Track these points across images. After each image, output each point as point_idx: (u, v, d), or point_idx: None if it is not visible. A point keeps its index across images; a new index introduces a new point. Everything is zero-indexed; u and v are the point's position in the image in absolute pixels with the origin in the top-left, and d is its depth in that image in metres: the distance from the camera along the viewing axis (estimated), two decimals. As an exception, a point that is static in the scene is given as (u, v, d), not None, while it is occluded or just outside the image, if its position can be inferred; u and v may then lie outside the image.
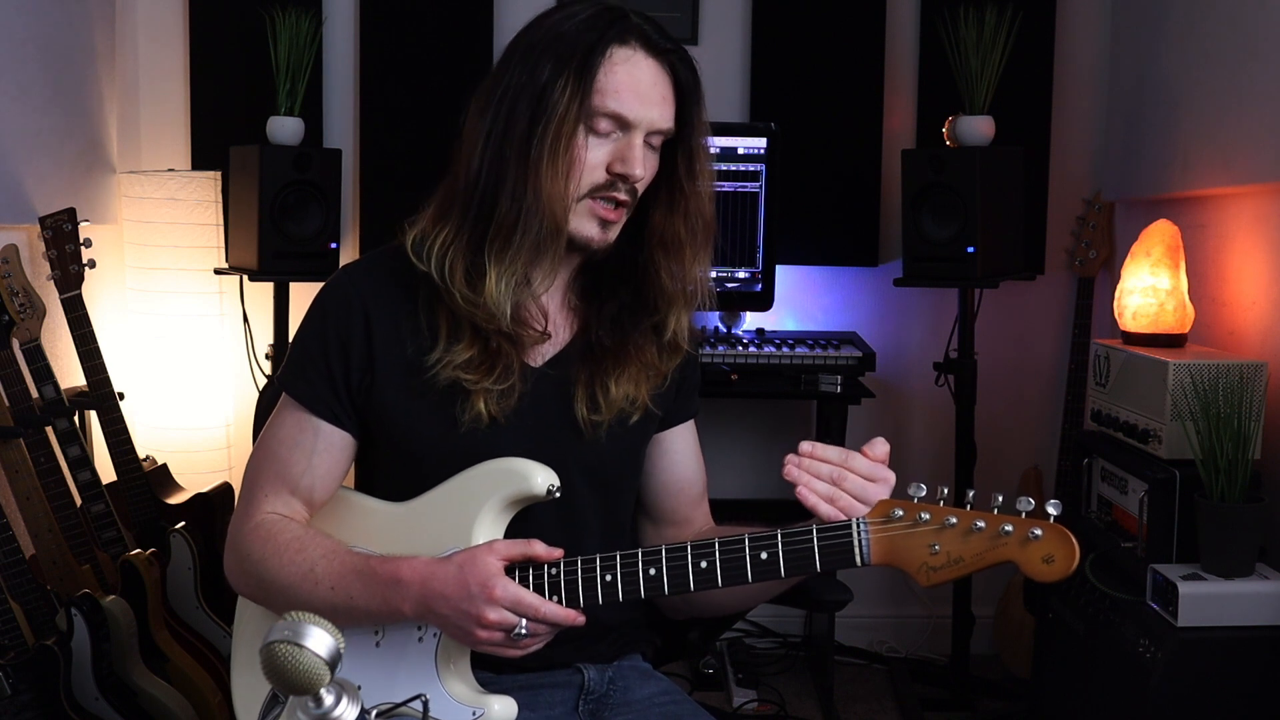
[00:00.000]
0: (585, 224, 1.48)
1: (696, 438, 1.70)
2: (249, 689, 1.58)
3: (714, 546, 1.39)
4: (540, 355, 1.54)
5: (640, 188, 1.50)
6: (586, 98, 1.44)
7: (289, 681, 1.10)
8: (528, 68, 1.46)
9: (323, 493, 1.53)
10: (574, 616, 1.38)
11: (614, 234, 1.50)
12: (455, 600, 1.36)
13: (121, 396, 2.78)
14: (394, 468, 1.54)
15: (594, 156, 1.46)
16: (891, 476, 1.43)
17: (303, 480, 1.51)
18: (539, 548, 1.40)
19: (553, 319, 1.55)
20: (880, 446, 1.44)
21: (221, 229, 3.19)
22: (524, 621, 1.36)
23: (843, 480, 1.41)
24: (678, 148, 1.52)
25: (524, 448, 1.47)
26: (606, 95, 1.44)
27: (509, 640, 1.37)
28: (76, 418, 2.68)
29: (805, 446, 1.42)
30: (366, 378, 1.50)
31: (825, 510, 1.40)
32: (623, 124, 1.46)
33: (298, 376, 1.52)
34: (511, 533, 1.47)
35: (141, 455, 2.89)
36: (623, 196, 1.48)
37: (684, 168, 1.52)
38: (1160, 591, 2.16)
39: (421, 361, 1.48)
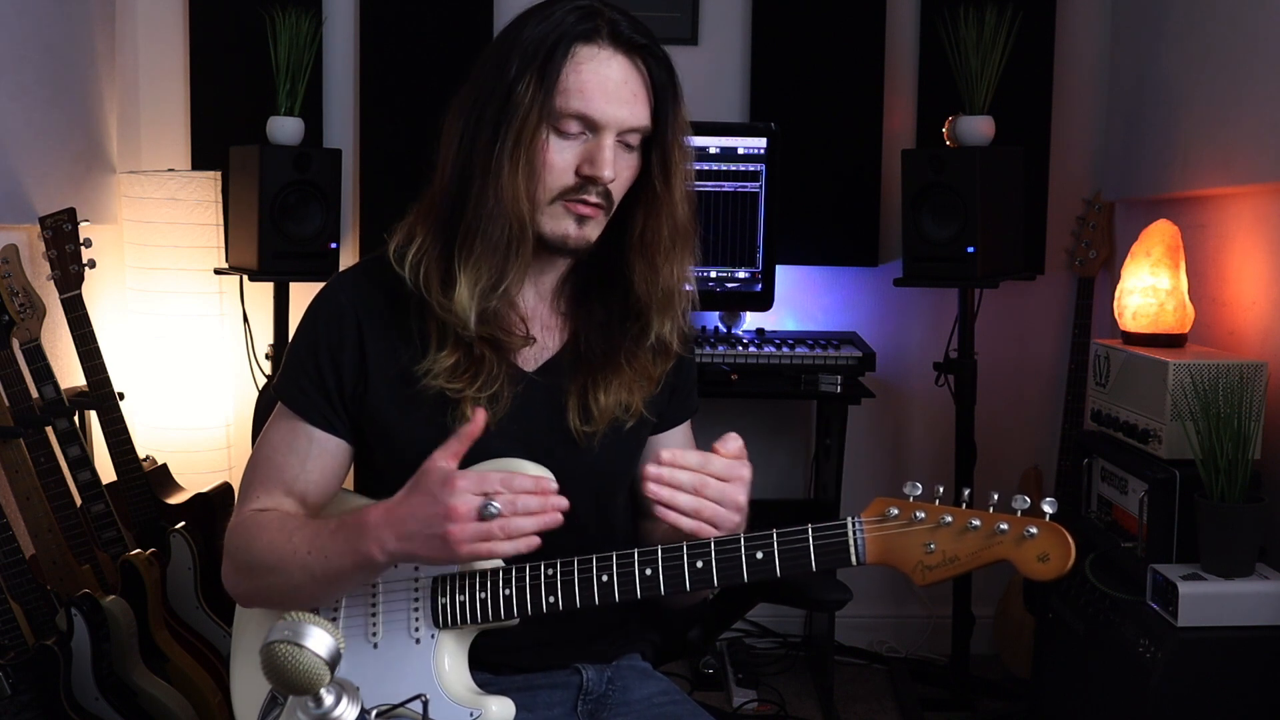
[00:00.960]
0: (560, 222, 1.46)
1: (692, 438, 1.70)
2: (249, 689, 1.58)
3: (710, 547, 1.38)
4: (532, 360, 1.53)
5: (616, 190, 1.47)
6: (549, 98, 1.41)
7: (289, 681, 1.10)
8: (497, 70, 1.44)
9: (316, 498, 1.52)
10: (544, 481, 1.32)
11: (592, 231, 1.48)
12: (420, 511, 1.32)
13: (121, 396, 2.78)
14: (393, 472, 1.53)
15: (562, 159, 1.43)
16: (747, 471, 1.40)
17: (296, 486, 1.51)
18: (468, 427, 1.35)
19: (542, 323, 1.54)
20: (733, 442, 1.40)
21: (221, 229, 3.19)
22: (491, 502, 1.29)
23: (704, 488, 1.37)
24: (652, 148, 1.48)
25: (517, 454, 1.47)
26: (570, 95, 1.41)
27: (481, 531, 1.29)
28: (76, 418, 2.68)
29: (665, 455, 1.37)
30: (360, 386, 1.50)
31: (688, 525, 1.36)
32: (590, 124, 1.43)
33: (292, 385, 1.52)
34: None
35: (141, 455, 2.89)
36: (594, 199, 1.45)
37: (658, 168, 1.48)
38: (1160, 591, 2.16)
39: (413, 371, 1.47)
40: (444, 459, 1.34)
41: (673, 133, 1.48)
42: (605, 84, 1.42)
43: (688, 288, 1.56)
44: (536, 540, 1.32)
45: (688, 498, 1.36)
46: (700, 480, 1.37)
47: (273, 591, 1.46)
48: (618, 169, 1.45)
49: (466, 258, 1.44)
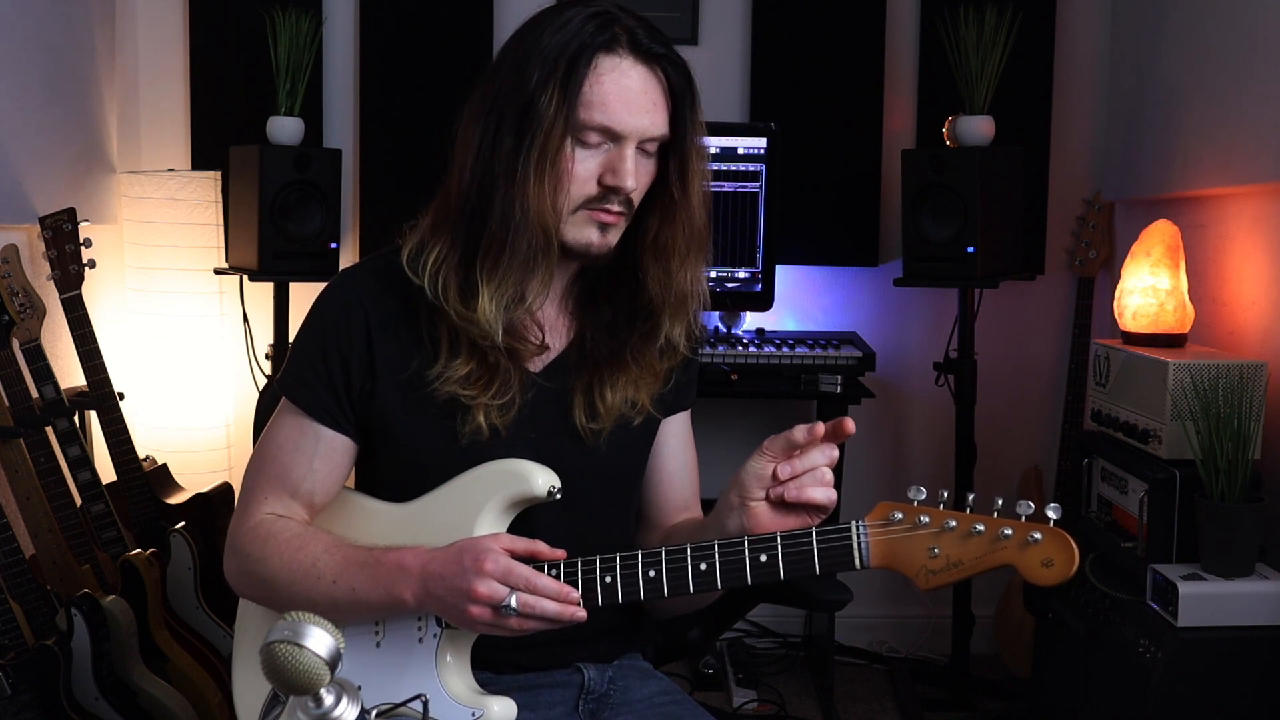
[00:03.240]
0: (583, 230, 1.46)
1: (689, 432, 1.70)
2: (250, 689, 1.58)
3: (714, 549, 1.38)
4: (539, 362, 1.53)
5: (636, 197, 1.48)
6: (573, 111, 1.41)
7: (289, 681, 1.10)
8: (516, 79, 1.43)
9: (323, 496, 1.53)
10: (568, 591, 1.36)
11: (614, 237, 1.49)
12: (450, 578, 1.36)
13: (121, 396, 2.78)
14: (396, 473, 1.54)
15: (584, 169, 1.44)
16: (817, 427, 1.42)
17: (303, 484, 1.51)
18: (543, 547, 1.41)
19: (550, 325, 1.54)
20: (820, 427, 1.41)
21: (221, 229, 3.19)
22: (513, 595, 1.34)
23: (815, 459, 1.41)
24: (670, 154, 1.49)
25: (526, 455, 1.47)
26: (593, 108, 1.41)
27: (498, 617, 1.35)
28: (76, 418, 2.68)
29: (775, 443, 1.40)
30: (367, 384, 1.50)
31: (825, 496, 1.40)
32: (612, 136, 1.43)
33: (297, 381, 1.51)
34: (515, 534, 1.47)
35: (141, 455, 2.89)
36: (616, 208, 1.46)
37: (676, 174, 1.49)
38: (1160, 591, 2.16)
39: (423, 375, 1.47)
40: (495, 541, 1.38)
41: (690, 139, 1.48)
42: (626, 95, 1.42)
43: (701, 289, 1.56)
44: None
45: (824, 474, 1.41)
46: (816, 453, 1.41)
47: (284, 605, 1.45)
48: (638, 177, 1.45)
49: (491, 269, 1.44)
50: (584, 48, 1.41)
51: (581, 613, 1.37)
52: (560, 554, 1.41)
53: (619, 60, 1.43)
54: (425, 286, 1.46)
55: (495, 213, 1.43)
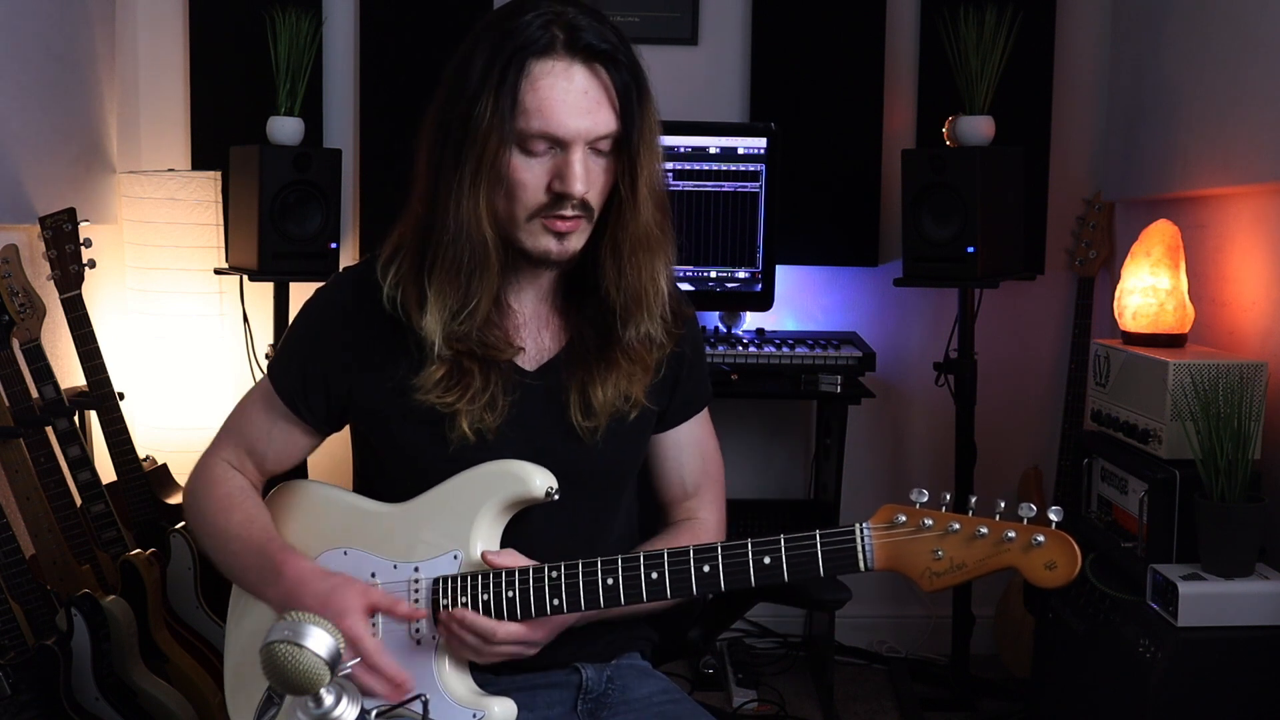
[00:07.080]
0: (540, 240, 1.46)
1: (702, 432, 1.69)
2: (244, 689, 1.59)
3: (717, 551, 1.39)
4: (533, 360, 1.54)
5: (594, 198, 1.46)
6: (511, 120, 1.39)
7: (289, 681, 1.11)
8: (458, 89, 1.43)
9: (274, 464, 1.62)
10: (402, 681, 1.38)
11: (574, 244, 1.47)
12: (313, 609, 1.34)
13: (121, 396, 2.78)
14: (394, 474, 1.55)
15: (532, 177, 1.42)
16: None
17: (257, 446, 1.61)
18: (403, 607, 1.44)
19: (542, 324, 1.55)
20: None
21: (221, 229, 3.19)
22: (348, 666, 1.28)
23: None
24: (621, 151, 1.46)
25: (520, 456, 1.48)
26: (532, 115, 1.39)
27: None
28: (76, 418, 2.68)
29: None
30: (344, 384, 1.53)
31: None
32: (556, 141, 1.41)
33: (278, 360, 1.60)
34: (509, 535, 1.48)
35: (141, 455, 2.89)
36: (570, 214, 1.44)
37: (625, 172, 1.46)
38: (1160, 591, 2.16)
39: (409, 383, 1.49)
40: (364, 598, 1.42)
41: (639, 136, 1.45)
42: (565, 98, 1.40)
43: (660, 286, 1.54)
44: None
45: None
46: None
47: (204, 547, 1.61)
48: (591, 179, 1.44)
49: (433, 282, 1.46)
50: (516, 53, 1.39)
51: (405, 676, 1.39)
52: (420, 614, 1.44)
53: (554, 63, 1.40)
54: (385, 300, 1.50)
55: (438, 225, 1.45)
